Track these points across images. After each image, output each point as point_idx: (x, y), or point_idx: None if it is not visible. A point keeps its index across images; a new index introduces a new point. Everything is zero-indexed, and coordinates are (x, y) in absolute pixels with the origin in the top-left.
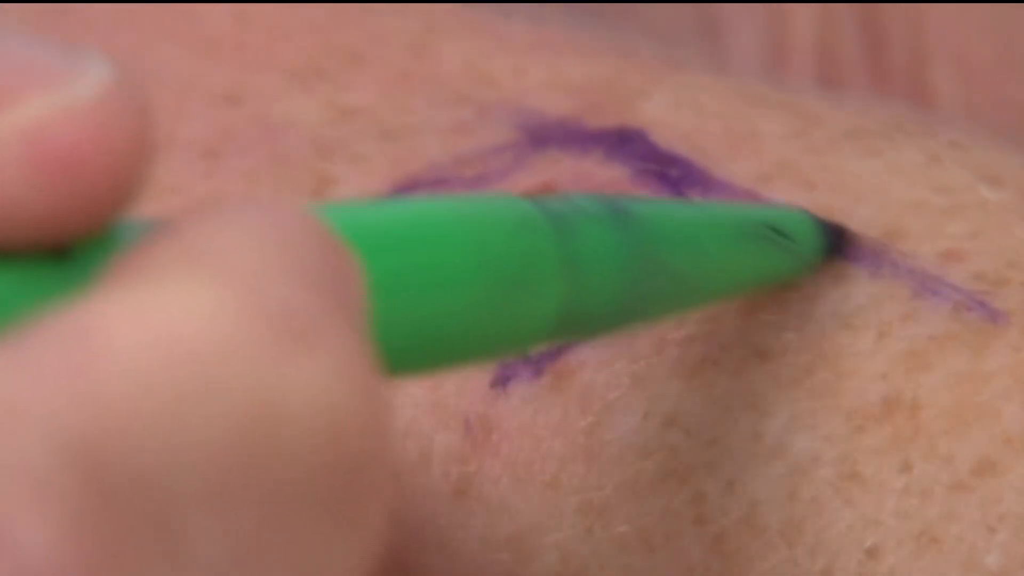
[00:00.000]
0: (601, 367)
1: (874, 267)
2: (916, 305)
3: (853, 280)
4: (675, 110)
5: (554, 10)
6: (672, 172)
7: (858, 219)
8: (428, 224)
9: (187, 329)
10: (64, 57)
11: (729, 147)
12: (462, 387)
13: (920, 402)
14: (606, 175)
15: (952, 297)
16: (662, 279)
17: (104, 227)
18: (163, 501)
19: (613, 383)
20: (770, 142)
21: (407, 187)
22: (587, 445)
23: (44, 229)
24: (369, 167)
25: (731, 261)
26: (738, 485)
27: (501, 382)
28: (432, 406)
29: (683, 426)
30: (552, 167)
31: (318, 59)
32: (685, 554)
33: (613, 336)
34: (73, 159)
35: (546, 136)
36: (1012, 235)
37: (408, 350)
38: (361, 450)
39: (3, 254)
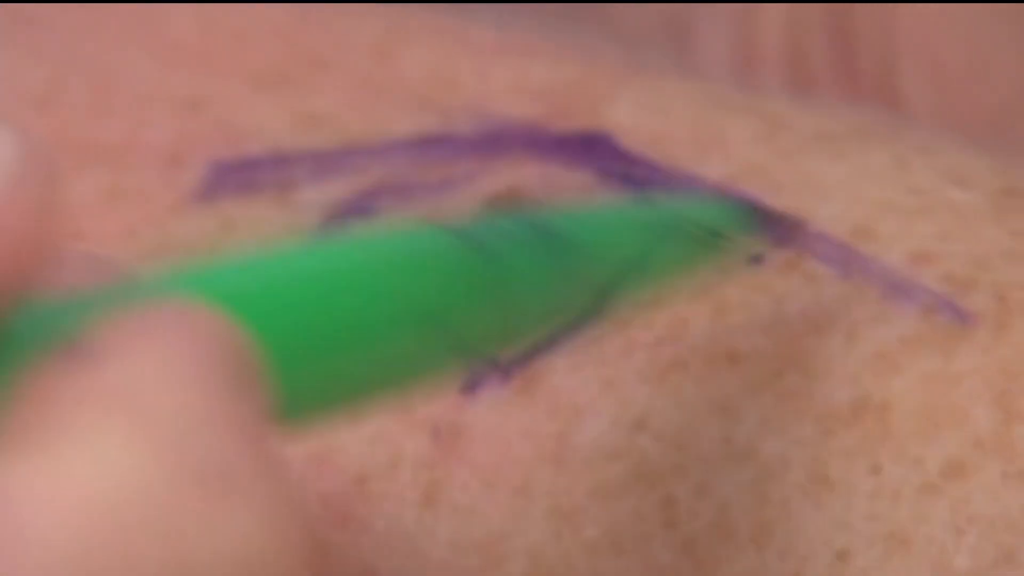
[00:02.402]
0: (570, 372)
1: (843, 269)
2: (885, 307)
3: (822, 282)
4: (641, 114)
5: (522, 13)
6: (637, 174)
7: (826, 217)
8: (338, 278)
9: (110, 494)
10: None
11: (696, 151)
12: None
13: (890, 404)
14: (571, 178)
15: (921, 299)
16: (585, 295)
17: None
18: None
19: (582, 388)
20: (737, 146)
21: (370, 194)
22: (556, 450)
23: None
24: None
25: (659, 265)
26: (708, 489)
27: (470, 388)
28: (400, 413)
29: (652, 430)
30: (517, 171)
31: (282, 64)
32: (655, 558)
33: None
34: None
35: (511, 140)
36: (981, 237)
37: (329, 402)
38: None
39: None
